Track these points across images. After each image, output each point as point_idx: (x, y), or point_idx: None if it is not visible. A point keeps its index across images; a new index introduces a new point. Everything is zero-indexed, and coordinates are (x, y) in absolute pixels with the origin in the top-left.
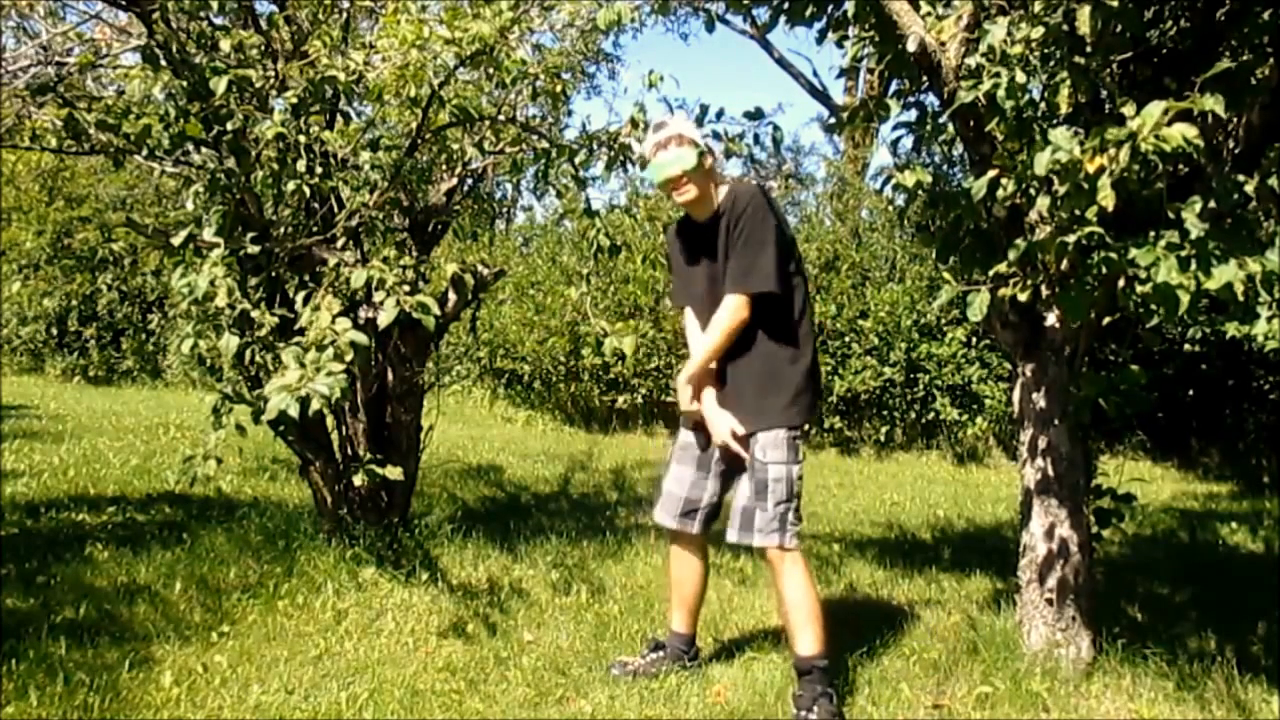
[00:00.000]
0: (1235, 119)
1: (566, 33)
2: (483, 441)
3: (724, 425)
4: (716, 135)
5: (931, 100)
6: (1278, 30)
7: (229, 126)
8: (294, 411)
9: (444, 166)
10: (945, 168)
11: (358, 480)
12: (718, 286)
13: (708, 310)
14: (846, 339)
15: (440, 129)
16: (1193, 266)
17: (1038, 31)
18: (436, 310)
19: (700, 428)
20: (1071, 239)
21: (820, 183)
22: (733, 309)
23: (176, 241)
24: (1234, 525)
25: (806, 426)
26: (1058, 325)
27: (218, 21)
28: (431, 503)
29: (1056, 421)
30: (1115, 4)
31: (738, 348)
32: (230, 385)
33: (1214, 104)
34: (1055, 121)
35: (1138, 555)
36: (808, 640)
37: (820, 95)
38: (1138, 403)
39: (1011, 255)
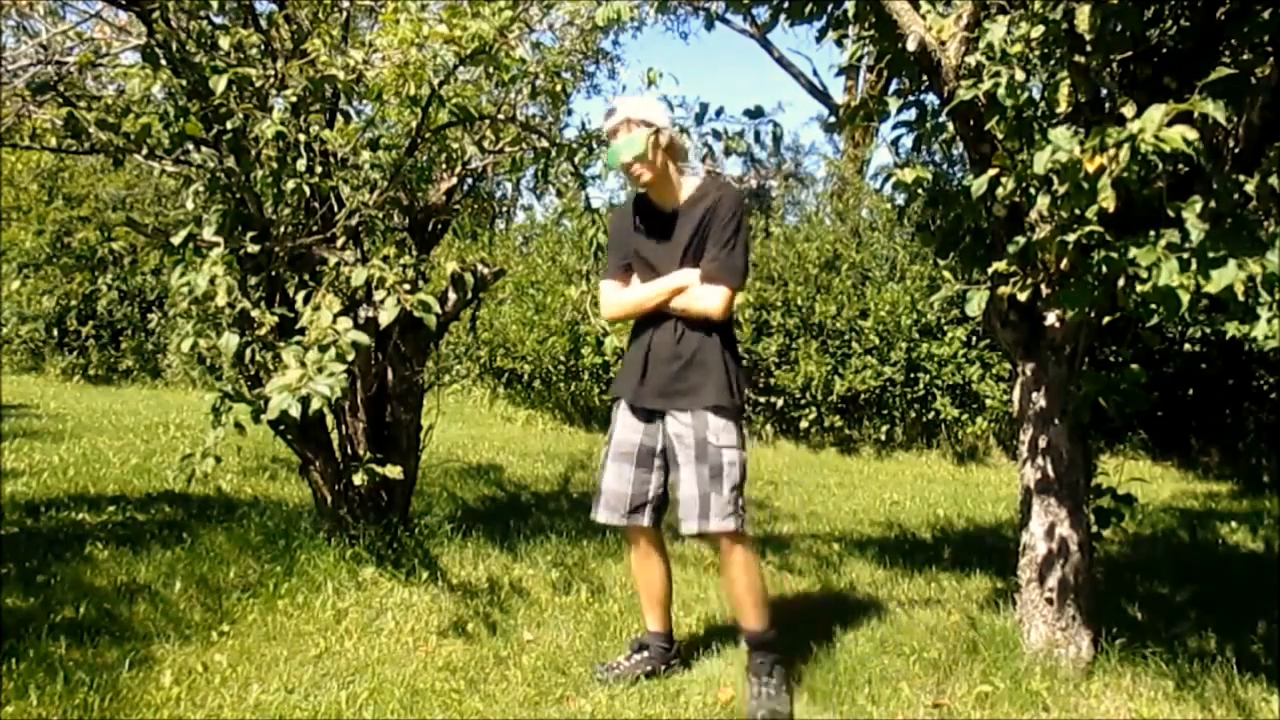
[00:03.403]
0: (1235, 118)
1: (566, 31)
2: (482, 441)
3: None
4: (716, 134)
5: (931, 99)
6: (1278, 30)
7: (229, 125)
8: (295, 411)
9: (444, 166)
10: (945, 167)
11: (357, 479)
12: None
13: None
14: (846, 339)
15: (440, 128)
16: (1193, 267)
17: (1037, 30)
18: (437, 309)
19: (637, 423)
20: (1071, 238)
21: (820, 182)
22: (721, 299)
23: (176, 241)
24: (1234, 525)
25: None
26: (1058, 325)
27: (217, 20)
28: (431, 502)
29: (1056, 421)
30: (1115, 2)
31: (701, 328)
32: (230, 384)
33: (1215, 109)
34: (1055, 121)
35: (1138, 555)
36: (760, 616)
37: (820, 94)
38: (1138, 402)
39: (1011, 253)
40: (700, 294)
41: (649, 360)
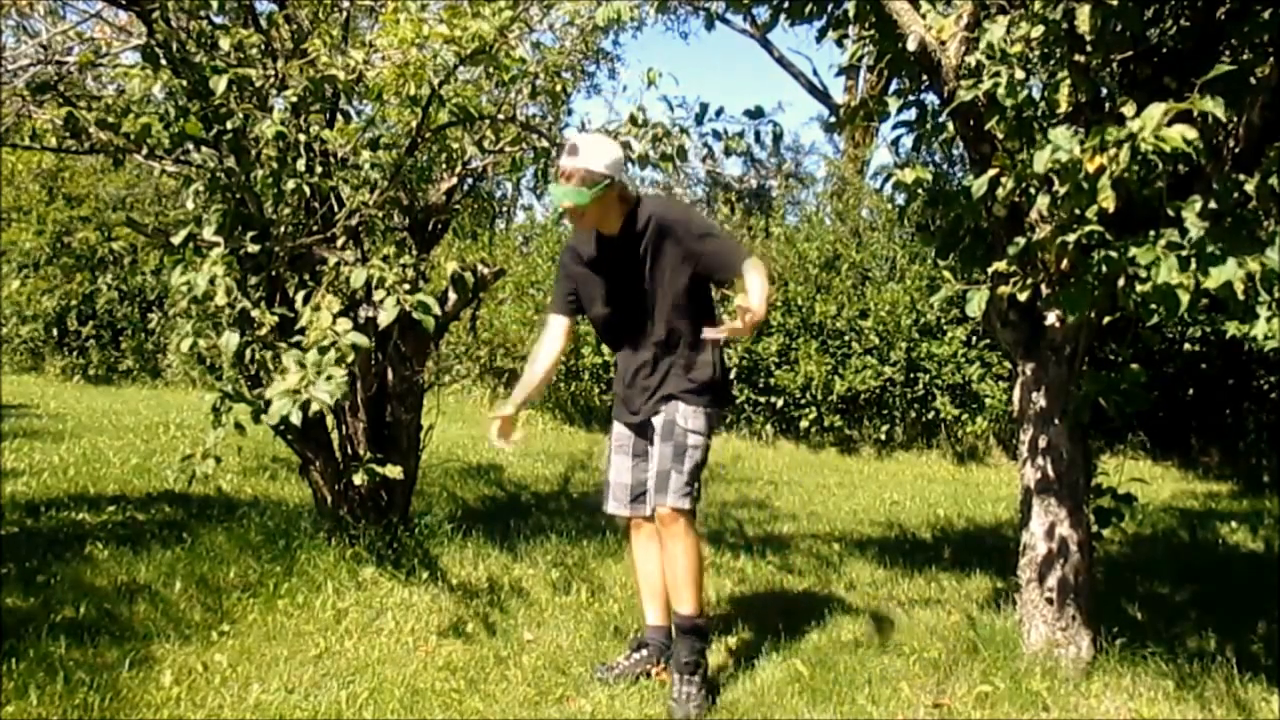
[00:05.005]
0: (1235, 118)
1: (566, 31)
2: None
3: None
4: (716, 134)
5: (931, 99)
6: (1278, 30)
7: (229, 125)
8: (296, 418)
9: (444, 165)
10: (945, 167)
11: (358, 479)
12: (645, 295)
13: (620, 320)
14: (846, 338)
15: (440, 128)
16: (1192, 266)
17: (1038, 30)
18: (437, 310)
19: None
20: (1071, 238)
21: (820, 182)
22: (762, 269)
23: (176, 240)
24: (1234, 525)
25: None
26: (1058, 324)
27: (217, 20)
28: (431, 502)
29: (1056, 421)
30: (1115, 2)
31: (672, 331)
32: (230, 384)
33: (1214, 107)
34: (1055, 121)
35: (1138, 555)
36: (694, 601)
37: (820, 94)
38: (1137, 401)
39: (1011, 253)
40: (759, 278)
41: (632, 389)
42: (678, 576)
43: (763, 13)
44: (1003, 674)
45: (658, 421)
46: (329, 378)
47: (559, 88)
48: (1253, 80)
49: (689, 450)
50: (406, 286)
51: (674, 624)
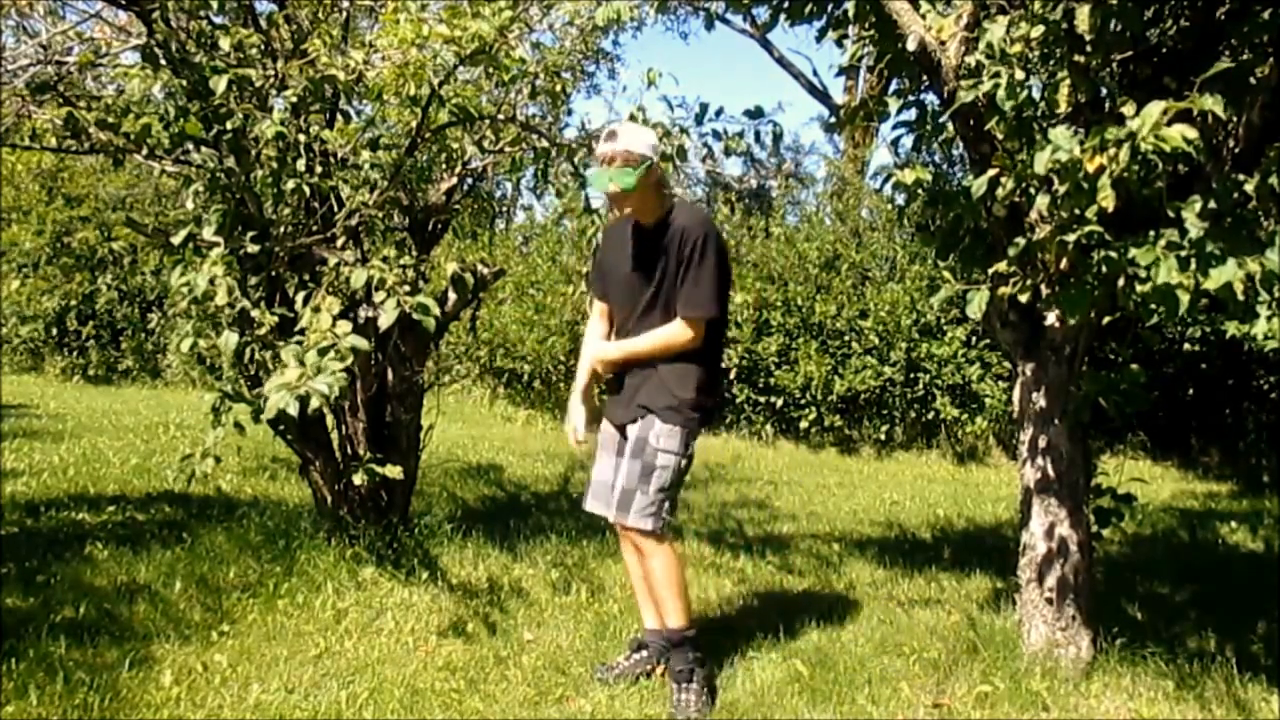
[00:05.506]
0: (1235, 118)
1: (566, 31)
2: (482, 440)
3: (575, 423)
4: (716, 134)
5: (931, 99)
6: (1278, 30)
7: (229, 126)
8: (293, 410)
9: (444, 166)
10: (945, 167)
11: (357, 479)
12: (652, 295)
13: (628, 311)
14: (846, 339)
15: (440, 128)
16: (1192, 266)
17: (1037, 30)
18: (437, 311)
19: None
20: (1071, 238)
21: (820, 182)
22: (690, 331)
23: (176, 241)
24: (1234, 525)
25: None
26: (1058, 325)
27: (217, 20)
28: (431, 502)
29: (1056, 421)
30: (1115, 2)
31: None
32: (230, 384)
33: (1214, 104)
34: (1055, 121)
35: (1138, 555)
36: (679, 614)
37: (820, 94)
38: (1137, 401)
39: (1011, 254)
40: (669, 330)
41: (618, 388)
42: (658, 591)
43: (763, 13)
44: (1003, 674)
45: (631, 433)
46: (328, 373)
47: (559, 88)
48: (1253, 80)
49: (657, 470)
50: (406, 288)
51: (665, 637)
